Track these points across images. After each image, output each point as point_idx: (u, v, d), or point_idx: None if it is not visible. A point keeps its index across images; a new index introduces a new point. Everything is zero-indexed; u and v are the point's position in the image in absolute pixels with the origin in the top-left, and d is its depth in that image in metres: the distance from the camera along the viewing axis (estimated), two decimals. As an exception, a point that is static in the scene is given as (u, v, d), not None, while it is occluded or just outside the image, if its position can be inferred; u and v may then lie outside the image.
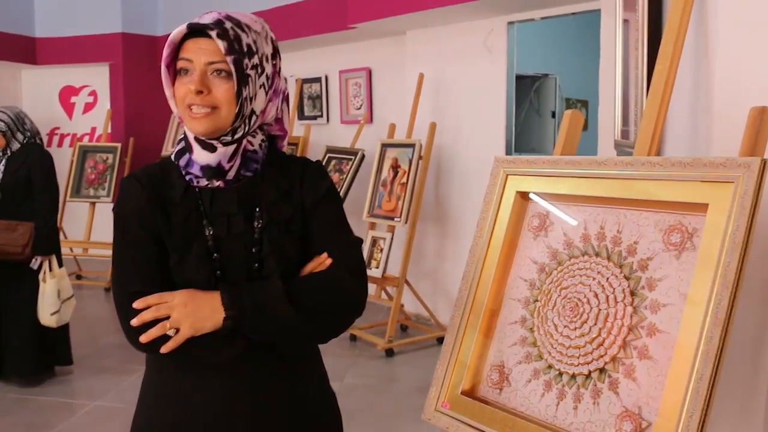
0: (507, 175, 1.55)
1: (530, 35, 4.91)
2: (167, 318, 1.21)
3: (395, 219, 4.84)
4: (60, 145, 7.54)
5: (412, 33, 5.27)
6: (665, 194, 1.23)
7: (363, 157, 5.24)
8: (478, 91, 4.95)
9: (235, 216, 1.31)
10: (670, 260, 1.21)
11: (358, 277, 1.35)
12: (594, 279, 1.32)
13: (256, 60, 1.27)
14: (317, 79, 6.25)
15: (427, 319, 5.22)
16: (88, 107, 7.59)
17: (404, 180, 4.87)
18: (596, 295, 1.30)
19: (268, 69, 1.31)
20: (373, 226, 5.05)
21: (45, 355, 3.95)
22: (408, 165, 4.86)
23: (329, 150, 5.50)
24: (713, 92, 1.34)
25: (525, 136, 5.36)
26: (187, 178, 1.32)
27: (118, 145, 6.52)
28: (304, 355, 1.41)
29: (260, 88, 1.29)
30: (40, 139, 3.99)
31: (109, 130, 6.81)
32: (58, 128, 7.56)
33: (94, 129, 7.48)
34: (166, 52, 1.26)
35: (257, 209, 1.33)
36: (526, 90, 5.41)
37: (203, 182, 1.32)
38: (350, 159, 5.24)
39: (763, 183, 1.09)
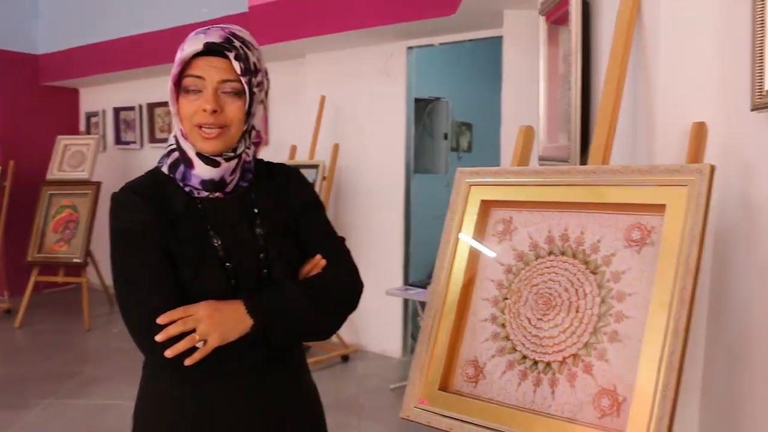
0: (470, 185, 1.68)
1: (425, 60, 5.15)
2: (192, 331, 1.22)
3: (300, 239, 4.88)
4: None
5: (312, 56, 5.37)
6: (625, 197, 1.41)
7: (264, 178, 5.24)
8: (378, 114, 5.11)
9: (239, 225, 1.36)
10: (631, 255, 1.38)
11: (354, 272, 1.45)
12: (563, 275, 1.47)
13: (260, 77, 1.34)
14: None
15: (330, 337, 5.27)
16: (-41, 129, 7.07)
17: (307, 200, 4.93)
18: (566, 289, 1.45)
19: (266, 84, 1.38)
20: (276, 246, 5.05)
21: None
22: (311, 185, 4.93)
23: (228, 172, 5.46)
24: (656, 109, 1.54)
25: (419, 157, 5.58)
26: (186, 189, 1.35)
27: (-2, 168, 6.12)
28: (299, 351, 1.48)
29: (260, 103, 1.36)
30: None
31: (-16, 154, 6.39)
32: None
33: (-35, 152, 6.98)
34: (176, 69, 1.29)
35: (257, 217, 1.38)
36: (421, 113, 5.64)
37: (203, 194, 1.35)
38: (251, 180, 5.23)
39: (712, 185, 1.29)
